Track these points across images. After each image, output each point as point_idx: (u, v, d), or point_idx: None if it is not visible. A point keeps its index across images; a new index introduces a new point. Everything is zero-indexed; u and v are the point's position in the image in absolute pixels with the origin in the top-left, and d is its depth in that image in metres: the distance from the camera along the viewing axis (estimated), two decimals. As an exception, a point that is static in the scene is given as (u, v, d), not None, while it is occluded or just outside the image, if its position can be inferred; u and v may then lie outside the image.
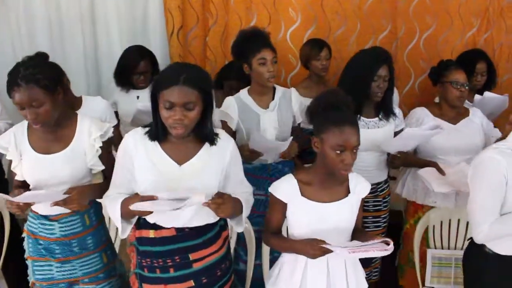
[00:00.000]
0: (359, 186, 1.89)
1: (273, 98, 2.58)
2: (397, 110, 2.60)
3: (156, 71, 3.10)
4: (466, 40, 3.58)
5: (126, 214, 1.75)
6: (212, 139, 1.80)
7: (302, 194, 1.82)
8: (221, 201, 1.67)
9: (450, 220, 2.58)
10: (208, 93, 1.72)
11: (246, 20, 3.37)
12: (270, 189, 1.87)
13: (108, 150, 2.03)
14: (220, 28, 3.38)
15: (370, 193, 2.49)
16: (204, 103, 1.71)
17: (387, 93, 2.48)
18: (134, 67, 3.00)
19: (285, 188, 1.84)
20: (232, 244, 2.43)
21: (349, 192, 1.86)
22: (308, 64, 3.15)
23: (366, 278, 2.59)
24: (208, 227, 1.85)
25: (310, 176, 1.85)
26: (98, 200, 2.01)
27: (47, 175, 1.91)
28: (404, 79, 3.59)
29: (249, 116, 2.52)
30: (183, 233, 1.82)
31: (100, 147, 1.97)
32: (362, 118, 2.50)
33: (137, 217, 1.81)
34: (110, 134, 2.01)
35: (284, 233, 1.99)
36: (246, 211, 1.86)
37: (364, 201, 2.49)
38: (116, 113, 3.13)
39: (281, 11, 3.36)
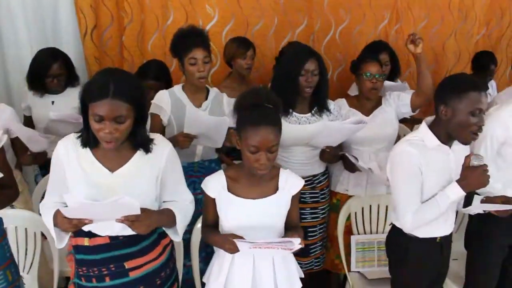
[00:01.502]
0: (290, 183, 1.89)
1: (206, 98, 2.55)
2: (332, 106, 2.62)
3: (71, 73, 2.97)
4: (379, 32, 3.75)
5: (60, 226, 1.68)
6: (146, 146, 1.74)
7: (229, 190, 1.83)
8: (134, 218, 1.60)
9: (370, 206, 2.68)
10: (140, 103, 1.66)
11: (162, 18, 3.30)
12: (202, 185, 1.88)
13: (2, 158, 1.90)
14: (136, 27, 3.29)
15: (306, 185, 2.57)
16: (136, 112, 1.65)
17: (320, 88, 2.50)
18: (46, 70, 2.85)
19: (213, 183, 1.85)
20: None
21: (277, 189, 1.87)
22: (232, 62, 3.11)
23: (307, 267, 2.68)
24: (144, 235, 1.78)
25: (239, 172, 1.87)
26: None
27: None
28: (322, 72, 3.69)
29: (182, 112, 2.45)
30: (117, 241, 1.76)
31: None
32: (294, 113, 2.52)
33: None
34: (4, 141, 1.88)
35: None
36: (181, 223, 1.81)
37: (301, 194, 2.56)
38: (29, 118, 3.01)
39: (198, 8, 3.32)
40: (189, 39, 2.43)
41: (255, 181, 1.84)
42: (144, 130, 1.74)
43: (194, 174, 2.57)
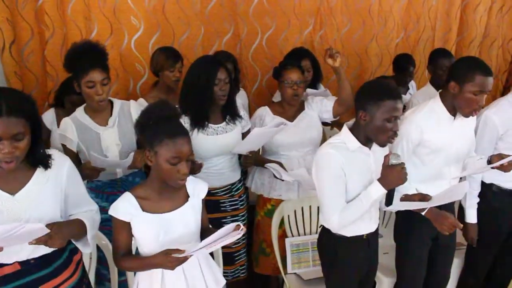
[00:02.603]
0: (198, 188, 1.92)
1: (111, 114, 2.49)
2: (242, 112, 2.67)
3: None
4: (304, 38, 3.85)
5: None
6: (45, 162, 1.69)
7: (143, 209, 1.79)
8: (46, 238, 1.55)
9: (302, 208, 2.76)
10: (34, 118, 1.61)
11: (86, 30, 3.21)
12: (110, 211, 1.80)
13: None
14: (58, 40, 3.18)
15: (225, 193, 2.62)
16: (32, 128, 1.59)
17: (229, 96, 2.53)
18: None
19: (124, 207, 1.79)
20: (93, 266, 2.34)
21: (188, 196, 1.89)
22: (159, 73, 3.03)
23: (233, 275, 2.71)
24: (56, 254, 1.74)
25: (147, 189, 1.84)
26: None
27: None
28: (251, 79, 3.75)
29: (89, 136, 2.41)
30: (29, 266, 1.69)
31: None
32: (210, 125, 2.52)
33: None
34: None
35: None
36: (91, 232, 1.78)
37: (221, 203, 2.59)
38: None
39: (122, 19, 3.26)
40: (85, 59, 2.31)
41: (166, 194, 1.84)
42: (42, 145, 1.69)
43: (118, 190, 2.52)
